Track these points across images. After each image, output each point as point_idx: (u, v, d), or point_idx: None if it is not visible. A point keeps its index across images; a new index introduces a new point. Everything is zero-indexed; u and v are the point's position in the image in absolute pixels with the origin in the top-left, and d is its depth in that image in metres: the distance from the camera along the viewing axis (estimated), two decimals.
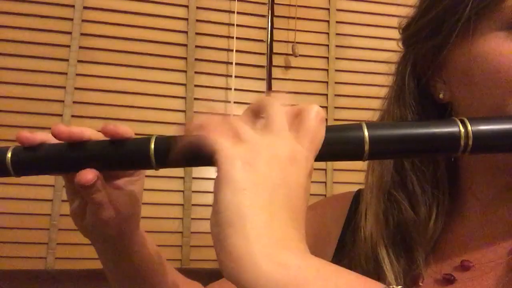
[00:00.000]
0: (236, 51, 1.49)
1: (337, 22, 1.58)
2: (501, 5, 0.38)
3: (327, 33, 1.58)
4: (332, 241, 0.52)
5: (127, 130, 0.37)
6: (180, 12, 1.50)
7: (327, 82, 1.55)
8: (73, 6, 1.42)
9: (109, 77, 1.43)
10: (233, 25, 1.50)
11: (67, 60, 1.40)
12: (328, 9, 1.58)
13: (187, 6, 1.50)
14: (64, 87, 1.39)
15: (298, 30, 1.53)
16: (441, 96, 0.44)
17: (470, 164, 0.44)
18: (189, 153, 0.33)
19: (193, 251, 1.40)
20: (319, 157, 0.33)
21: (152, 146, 0.35)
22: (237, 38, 1.50)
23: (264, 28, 1.53)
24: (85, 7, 1.43)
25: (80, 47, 1.42)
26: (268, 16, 1.53)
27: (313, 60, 1.56)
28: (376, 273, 0.43)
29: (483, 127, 0.34)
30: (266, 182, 0.28)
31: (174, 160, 0.35)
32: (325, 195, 1.49)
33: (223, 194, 0.27)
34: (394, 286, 0.24)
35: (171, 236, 1.39)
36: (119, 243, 0.45)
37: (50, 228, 1.33)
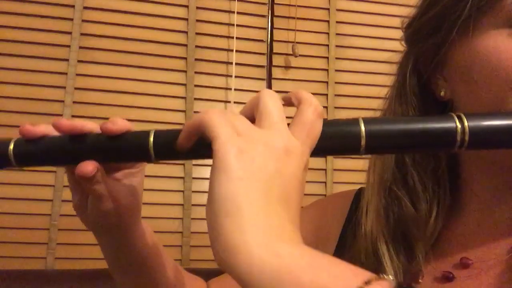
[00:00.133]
0: (236, 51, 1.49)
1: (337, 22, 1.58)
2: (501, 3, 0.38)
3: (327, 33, 1.58)
4: (333, 238, 0.52)
5: (125, 125, 0.38)
6: (180, 12, 1.50)
7: (327, 82, 1.55)
8: (73, 6, 1.42)
9: (109, 77, 1.42)
10: (233, 25, 1.50)
11: (67, 60, 1.40)
12: (328, 9, 1.58)
13: (187, 6, 1.50)
14: (64, 87, 1.39)
15: (298, 30, 1.53)
16: (442, 93, 0.44)
17: (470, 162, 0.44)
18: (187, 142, 0.34)
19: (193, 251, 1.40)
20: (316, 151, 0.33)
21: (151, 139, 0.36)
22: (237, 38, 1.50)
23: (264, 28, 1.53)
24: (85, 7, 1.43)
25: (80, 47, 1.42)
26: (268, 16, 1.53)
27: (313, 60, 1.56)
28: (376, 269, 0.43)
29: (480, 123, 0.34)
30: (261, 172, 0.28)
31: (172, 152, 0.35)
32: (325, 195, 1.47)
33: (218, 182, 0.27)
34: (385, 276, 0.24)
35: (171, 236, 1.39)
36: (120, 235, 0.45)
37: (50, 228, 1.32)
